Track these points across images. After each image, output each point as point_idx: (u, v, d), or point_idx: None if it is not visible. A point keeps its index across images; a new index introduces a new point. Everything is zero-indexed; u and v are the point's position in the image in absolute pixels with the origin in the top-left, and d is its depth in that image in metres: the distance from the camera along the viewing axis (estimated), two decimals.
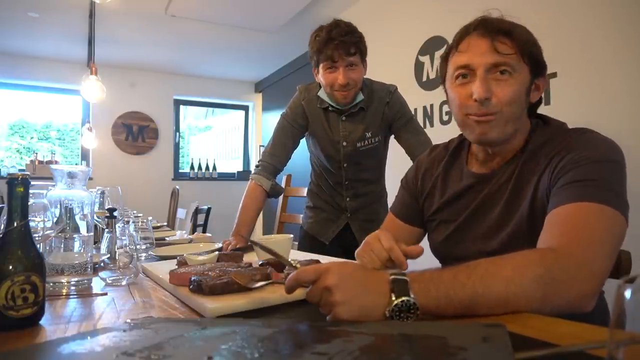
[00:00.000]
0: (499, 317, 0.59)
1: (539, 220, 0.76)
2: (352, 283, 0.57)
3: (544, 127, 0.87)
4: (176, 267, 0.94)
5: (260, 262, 0.94)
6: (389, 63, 3.07)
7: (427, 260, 1.01)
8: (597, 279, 0.63)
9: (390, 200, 1.74)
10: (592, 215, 0.67)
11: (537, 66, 0.82)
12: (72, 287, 0.83)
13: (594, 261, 0.63)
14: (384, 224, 1.10)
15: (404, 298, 0.55)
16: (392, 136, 1.62)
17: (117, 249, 0.92)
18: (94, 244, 0.95)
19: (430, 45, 2.79)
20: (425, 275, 0.59)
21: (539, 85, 0.85)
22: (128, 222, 1.11)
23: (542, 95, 0.90)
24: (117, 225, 0.97)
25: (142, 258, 1.24)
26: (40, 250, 0.65)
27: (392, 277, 0.58)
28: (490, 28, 0.81)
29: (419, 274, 0.60)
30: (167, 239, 1.75)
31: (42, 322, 0.63)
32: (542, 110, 0.93)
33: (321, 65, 1.44)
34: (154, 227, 1.80)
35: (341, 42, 1.38)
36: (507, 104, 0.79)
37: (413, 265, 0.70)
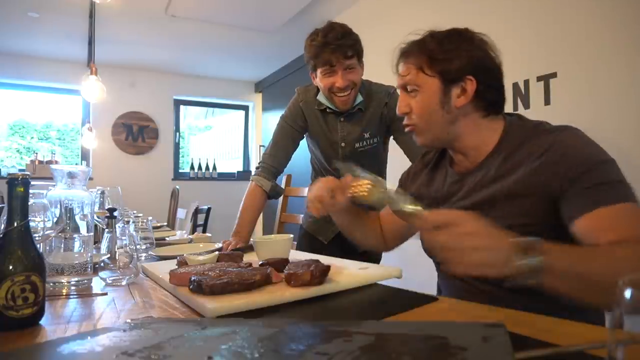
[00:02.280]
0: (500, 316, 0.59)
1: (537, 218, 0.80)
2: (493, 231, 0.63)
3: (520, 125, 0.91)
4: (176, 267, 0.94)
5: (260, 262, 0.94)
6: (389, 63, 3.07)
7: (425, 258, 1.02)
8: None
9: None
10: (636, 215, 0.73)
11: (448, 75, 0.87)
12: (72, 287, 0.83)
13: None
14: (381, 213, 1.19)
15: (533, 257, 0.60)
16: (392, 138, 1.62)
17: (117, 249, 0.92)
18: (94, 244, 0.95)
19: None
20: (551, 244, 0.63)
21: (464, 88, 0.87)
22: (128, 222, 1.11)
23: (476, 94, 0.88)
24: (117, 225, 0.97)
25: (142, 258, 1.24)
26: (40, 250, 0.65)
27: (523, 239, 0.62)
28: (399, 55, 0.94)
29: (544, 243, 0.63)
30: (167, 239, 1.75)
31: (42, 322, 0.63)
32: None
33: (319, 70, 1.44)
34: (154, 227, 1.80)
35: (338, 45, 1.37)
36: (420, 116, 0.91)
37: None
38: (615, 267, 0.62)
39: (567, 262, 0.62)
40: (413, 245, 1.21)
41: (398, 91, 0.97)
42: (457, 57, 0.86)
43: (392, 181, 1.82)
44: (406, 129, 0.95)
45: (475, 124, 0.90)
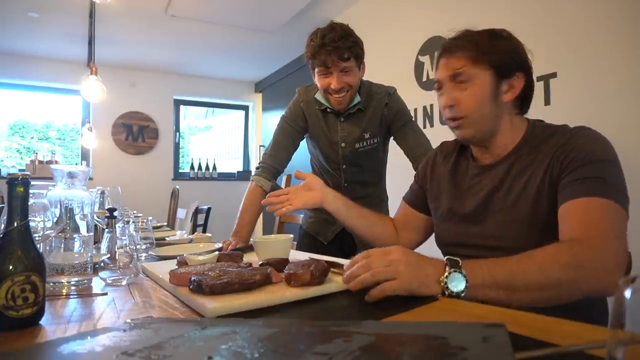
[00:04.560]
0: (500, 316, 0.59)
1: (544, 208, 0.85)
2: (414, 257, 0.72)
3: (543, 126, 0.95)
4: (176, 267, 0.94)
5: (260, 262, 0.94)
6: (389, 63, 3.07)
7: (430, 252, 1.02)
8: (622, 265, 0.72)
9: (392, 204, 1.75)
10: (603, 210, 0.76)
11: (500, 69, 0.90)
12: (72, 287, 0.83)
13: (616, 252, 0.72)
14: (396, 211, 1.24)
15: (456, 269, 0.69)
16: (392, 138, 1.62)
17: (117, 249, 0.92)
18: (94, 244, 0.95)
19: (430, 45, 2.79)
20: (471, 260, 0.72)
21: (512, 84, 0.91)
22: (128, 222, 1.11)
23: (521, 92, 0.94)
24: (117, 225, 0.96)
25: (142, 258, 1.24)
26: (40, 250, 0.65)
27: (447, 257, 0.71)
28: (445, 50, 0.95)
29: (466, 260, 0.72)
30: (167, 239, 1.75)
31: (42, 322, 0.63)
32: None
33: (316, 70, 1.45)
34: (154, 227, 1.80)
35: (334, 47, 1.36)
36: (469, 108, 0.91)
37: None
38: (533, 269, 0.70)
39: (486, 273, 0.70)
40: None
41: (444, 84, 0.95)
42: (505, 53, 0.90)
43: (392, 184, 1.82)
44: (452, 123, 0.95)
45: (511, 120, 0.94)
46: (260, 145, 5.57)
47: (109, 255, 0.94)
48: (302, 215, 1.82)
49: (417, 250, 1.19)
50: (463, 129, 0.94)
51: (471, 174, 1.00)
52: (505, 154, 0.95)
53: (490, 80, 0.90)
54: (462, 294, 0.69)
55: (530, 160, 0.90)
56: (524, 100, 0.95)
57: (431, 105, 2.78)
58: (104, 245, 0.96)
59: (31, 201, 0.78)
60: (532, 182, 0.87)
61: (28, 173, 0.67)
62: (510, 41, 0.92)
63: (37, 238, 0.72)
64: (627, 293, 0.28)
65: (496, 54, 0.89)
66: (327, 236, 1.67)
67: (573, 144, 0.84)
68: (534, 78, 0.96)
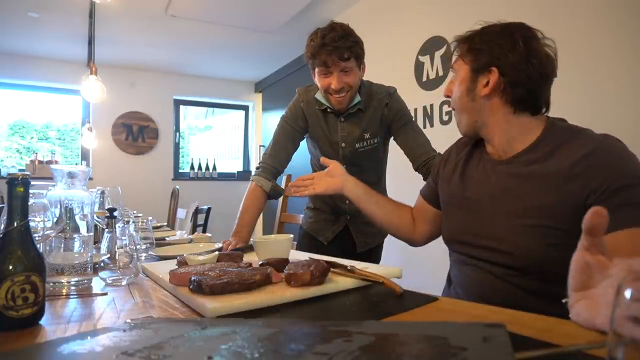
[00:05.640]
0: (500, 316, 0.59)
1: (559, 219, 0.80)
2: None
3: (562, 127, 0.92)
4: (176, 267, 0.94)
5: (260, 262, 0.94)
6: (389, 63, 3.07)
7: (438, 248, 1.02)
8: None
9: None
10: None
11: (474, 63, 0.93)
12: (72, 287, 0.83)
13: None
14: (414, 204, 1.23)
15: None
16: (392, 138, 1.62)
17: (117, 249, 0.92)
18: (94, 244, 0.95)
19: (430, 45, 2.79)
20: None
21: (488, 80, 0.91)
22: (128, 222, 1.11)
23: (497, 88, 0.91)
24: (117, 225, 0.96)
25: (142, 258, 1.24)
26: (40, 250, 0.65)
27: None
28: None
29: None
30: (167, 239, 1.75)
31: (42, 322, 0.63)
32: None
33: (316, 70, 1.45)
34: (154, 227, 1.80)
35: (335, 47, 1.36)
36: (452, 100, 0.99)
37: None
38: None
39: None
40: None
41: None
42: (489, 49, 0.91)
43: (391, 181, 1.82)
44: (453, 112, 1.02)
45: (505, 119, 0.92)
46: (260, 145, 5.57)
47: (109, 255, 0.94)
48: (302, 216, 1.82)
49: (429, 245, 1.18)
50: (456, 120, 1.01)
51: (482, 167, 0.98)
52: (514, 153, 0.91)
53: (467, 74, 0.94)
54: None
55: (545, 165, 0.85)
56: (513, 99, 0.90)
57: (431, 105, 2.77)
58: (104, 245, 0.96)
59: (31, 201, 0.78)
60: (548, 189, 0.82)
61: (28, 173, 0.67)
62: (510, 38, 0.90)
63: (37, 238, 0.72)
64: (627, 293, 0.28)
65: (478, 51, 0.92)
66: (327, 236, 1.67)
67: (609, 160, 0.78)
68: (532, 79, 0.92)
